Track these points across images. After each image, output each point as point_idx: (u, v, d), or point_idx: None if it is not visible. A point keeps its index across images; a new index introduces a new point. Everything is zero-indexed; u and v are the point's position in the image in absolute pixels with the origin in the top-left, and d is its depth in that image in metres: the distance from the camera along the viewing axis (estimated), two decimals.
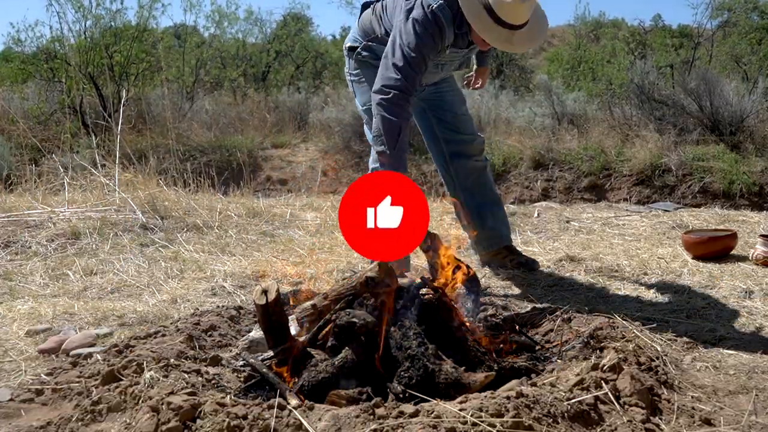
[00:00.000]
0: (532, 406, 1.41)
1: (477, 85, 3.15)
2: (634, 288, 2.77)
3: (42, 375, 1.93)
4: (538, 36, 2.51)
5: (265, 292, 1.79)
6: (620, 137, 7.19)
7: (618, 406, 1.50)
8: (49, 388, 1.79)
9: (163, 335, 2.08)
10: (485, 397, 1.44)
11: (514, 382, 1.60)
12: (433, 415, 1.38)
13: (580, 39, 14.15)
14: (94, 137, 6.43)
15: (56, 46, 9.43)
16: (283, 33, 14.03)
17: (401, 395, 1.56)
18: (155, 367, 1.71)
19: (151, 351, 1.86)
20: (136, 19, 9.56)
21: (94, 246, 3.63)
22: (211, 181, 5.50)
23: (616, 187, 6.38)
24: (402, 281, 1.90)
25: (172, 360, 1.79)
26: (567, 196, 6.45)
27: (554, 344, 2.03)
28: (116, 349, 1.97)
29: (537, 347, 2.02)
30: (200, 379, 1.73)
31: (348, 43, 2.85)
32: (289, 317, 1.94)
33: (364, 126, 2.87)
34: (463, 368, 1.63)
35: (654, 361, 1.78)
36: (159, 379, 1.64)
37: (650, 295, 2.67)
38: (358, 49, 2.77)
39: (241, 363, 1.87)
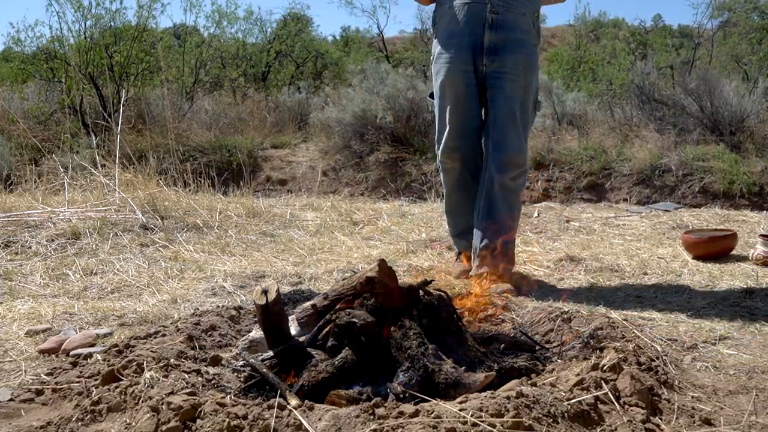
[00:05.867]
0: (532, 406, 1.41)
1: None
2: (634, 288, 2.77)
3: (42, 375, 1.93)
4: None
5: (265, 292, 1.79)
6: (620, 137, 7.18)
7: (618, 406, 1.50)
8: (49, 388, 1.79)
9: (163, 335, 2.08)
10: (485, 397, 1.44)
11: (514, 382, 1.60)
12: (433, 415, 1.37)
13: (580, 39, 14.15)
14: (94, 137, 6.43)
15: (56, 46, 9.43)
16: (283, 33, 14.03)
17: (401, 395, 1.56)
18: (155, 367, 1.71)
19: (151, 351, 1.86)
20: (136, 19, 9.56)
21: (94, 246, 3.63)
22: (211, 181, 5.51)
23: (616, 187, 6.37)
24: (402, 282, 1.90)
25: (172, 360, 1.79)
26: (567, 196, 6.44)
27: (554, 344, 2.03)
28: (116, 349, 1.97)
29: (537, 347, 2.02)
30: (200, 379, 1.73)
31: None
32: (289, 317, 1.94)
33: None
34: (463, 368, 1.63)
35: (654, 361, 1.78)
36: (159, 379, 1.64)
37: (650, 295, 2.67)
38: None
39: (241, 363, 1.87)
